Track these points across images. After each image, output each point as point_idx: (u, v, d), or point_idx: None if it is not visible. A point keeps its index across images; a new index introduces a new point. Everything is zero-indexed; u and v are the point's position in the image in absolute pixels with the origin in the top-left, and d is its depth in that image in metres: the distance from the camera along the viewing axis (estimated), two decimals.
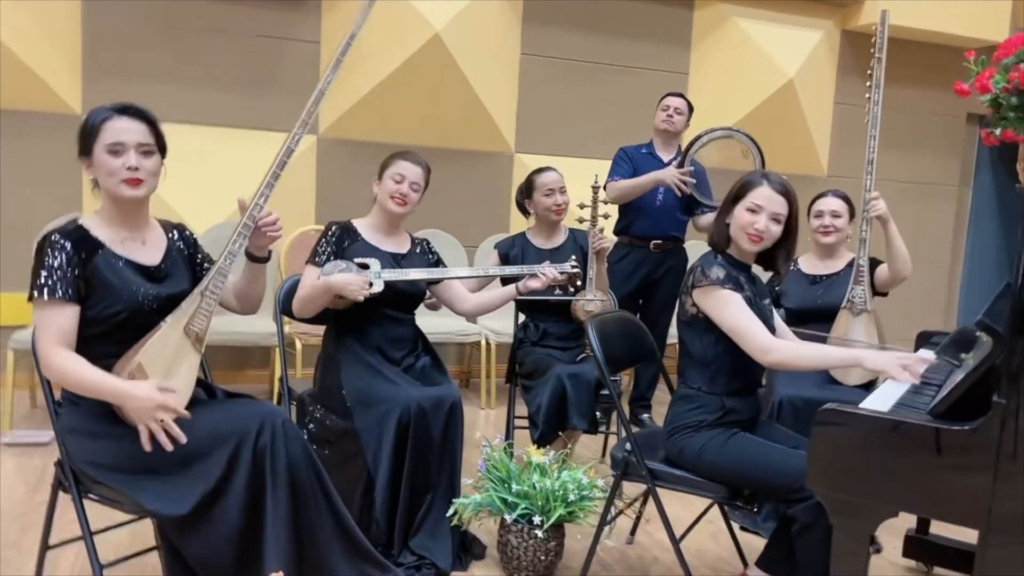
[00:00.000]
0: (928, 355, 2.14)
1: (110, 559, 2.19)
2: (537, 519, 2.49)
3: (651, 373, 4.30)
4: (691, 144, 3.97)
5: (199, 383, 2.12)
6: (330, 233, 2.72)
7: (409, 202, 2.73)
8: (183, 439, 1.90)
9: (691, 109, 4.20)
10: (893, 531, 2.90)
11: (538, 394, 3.10)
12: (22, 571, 2.45)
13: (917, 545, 2.78)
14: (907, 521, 2.77)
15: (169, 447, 1.89)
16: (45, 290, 1.88)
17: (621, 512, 2.77)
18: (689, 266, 2.38)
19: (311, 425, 2.70)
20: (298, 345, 4.20)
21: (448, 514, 2.55)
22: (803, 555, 2.12)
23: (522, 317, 3.55)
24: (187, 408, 1.95)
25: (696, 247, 4.22)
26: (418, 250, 2.87)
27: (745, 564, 2.70)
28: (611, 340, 2.48)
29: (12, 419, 3.75)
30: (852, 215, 3.22)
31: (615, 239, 4.17)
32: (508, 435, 3.37)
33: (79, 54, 4.40)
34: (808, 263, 3.28)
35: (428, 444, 2.56)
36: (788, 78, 5.57)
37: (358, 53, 4.57)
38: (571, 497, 2.50)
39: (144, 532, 2.44)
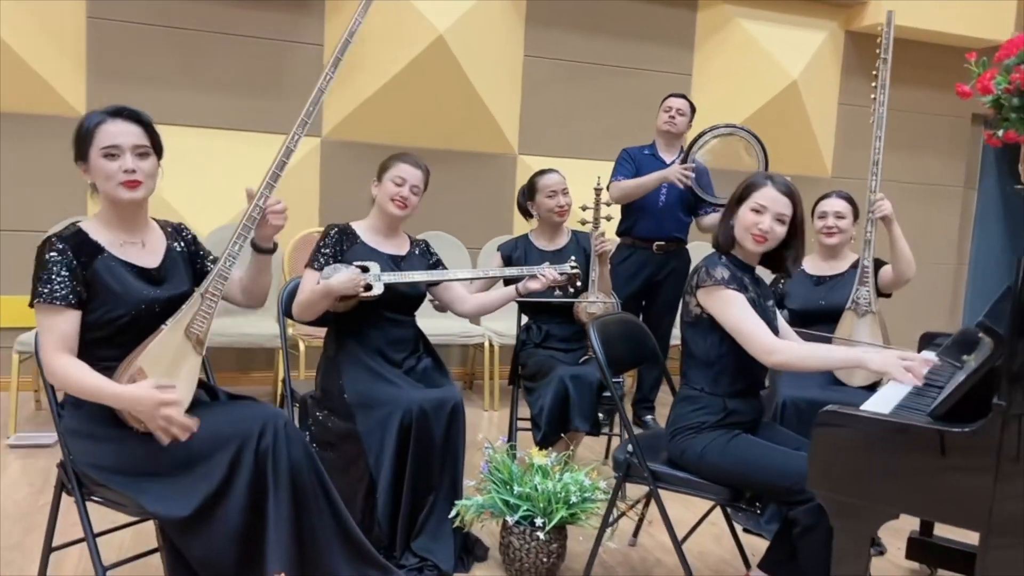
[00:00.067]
0: (931, 356, 2.13)
1: (113, 560, 2.20)
2: (539, 521, 2.48)
3: (654, 375, 4.29)
4: (694, 141, 3.97)
5: (201, 385, 2.13)
6: (329, 236, 2.73)
7: (409, 205, 2.73)
8: (194, 426, 1.90)
9: (693, 110, 4.19)
10: (896, 533, 2.90)
11: (540, 396, 3.10)
12: (25, 572, 2.46)
13: (920, 547, 2.77)
14: (911, 523, 2.76)
15: (183, 438, 1.89)
16: (46, 295, 1.89)
17: (623, 514, 2.77)
18: (693, 267, 2.38)
19: (313, 427, 2.70)
20: (302, 347, 4.20)
21: (450, 516, 2.56)
22: (805, 557, 2.11)
23: (525, 319, 3.55)
24: (188, 410, 1.95)
25: (699, 248, 4.21)
26: (417, 252, 2.87)
27: (748, 566, 2.69)
28: (613, 342, 2.48)
29: (16, 421, 3.76)
30: (856, 216, 3.22)
31: (617, 241, 4.17)
32: (511, 437, 3.37)
33: (83, 56, 4.42)
34: (812, 264, 3.27)
35: (430, 446, 2.56)
36: (792, 79, 5.56)
37: (361, 55, 4.60)
38: (573, 499, 2.50)
39: (146, 534, 2.44)
